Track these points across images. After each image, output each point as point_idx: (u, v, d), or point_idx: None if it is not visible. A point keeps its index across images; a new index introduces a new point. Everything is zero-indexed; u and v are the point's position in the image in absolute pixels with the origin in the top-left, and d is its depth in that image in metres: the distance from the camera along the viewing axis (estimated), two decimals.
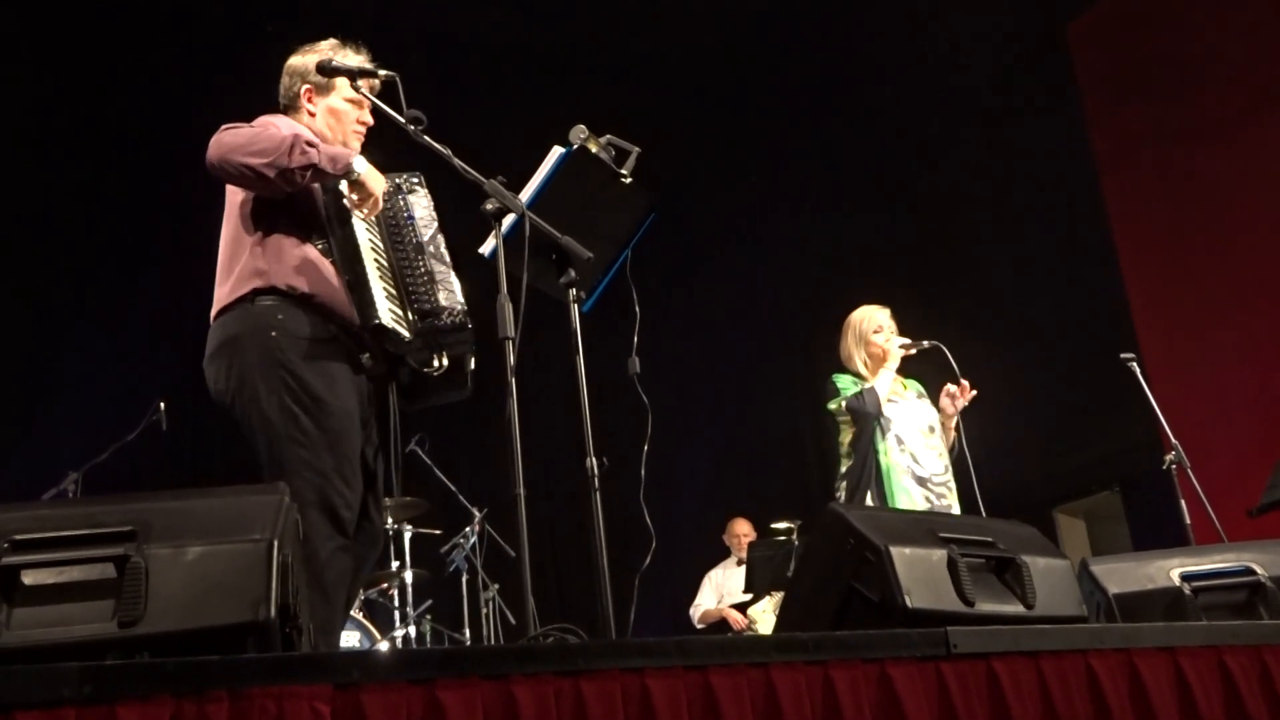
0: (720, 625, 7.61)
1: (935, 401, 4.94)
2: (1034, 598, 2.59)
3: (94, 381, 7.23)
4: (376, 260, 3.15)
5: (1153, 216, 8.12)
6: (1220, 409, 7.42)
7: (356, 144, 3.34)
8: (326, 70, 3.18)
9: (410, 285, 3.16)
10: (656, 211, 3.49)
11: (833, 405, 4.87)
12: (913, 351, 4.93)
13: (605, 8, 8.55)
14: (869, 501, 4.62)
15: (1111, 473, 8.34)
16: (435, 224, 3.32)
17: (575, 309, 3.17)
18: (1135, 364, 5.39)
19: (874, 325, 4.98)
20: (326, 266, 3.11)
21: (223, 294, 3.11)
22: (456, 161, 3.10)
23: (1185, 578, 2.97)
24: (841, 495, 4.76)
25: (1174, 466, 5.27)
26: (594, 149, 3.33)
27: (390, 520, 6.57)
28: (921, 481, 4.69)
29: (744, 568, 7.82)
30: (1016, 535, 2.81)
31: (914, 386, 5.01)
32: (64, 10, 7.34)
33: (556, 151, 3.30)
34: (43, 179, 7.37)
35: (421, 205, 3.33)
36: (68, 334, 7.36)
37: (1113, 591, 2.95)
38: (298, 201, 3.12)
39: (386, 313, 3.04)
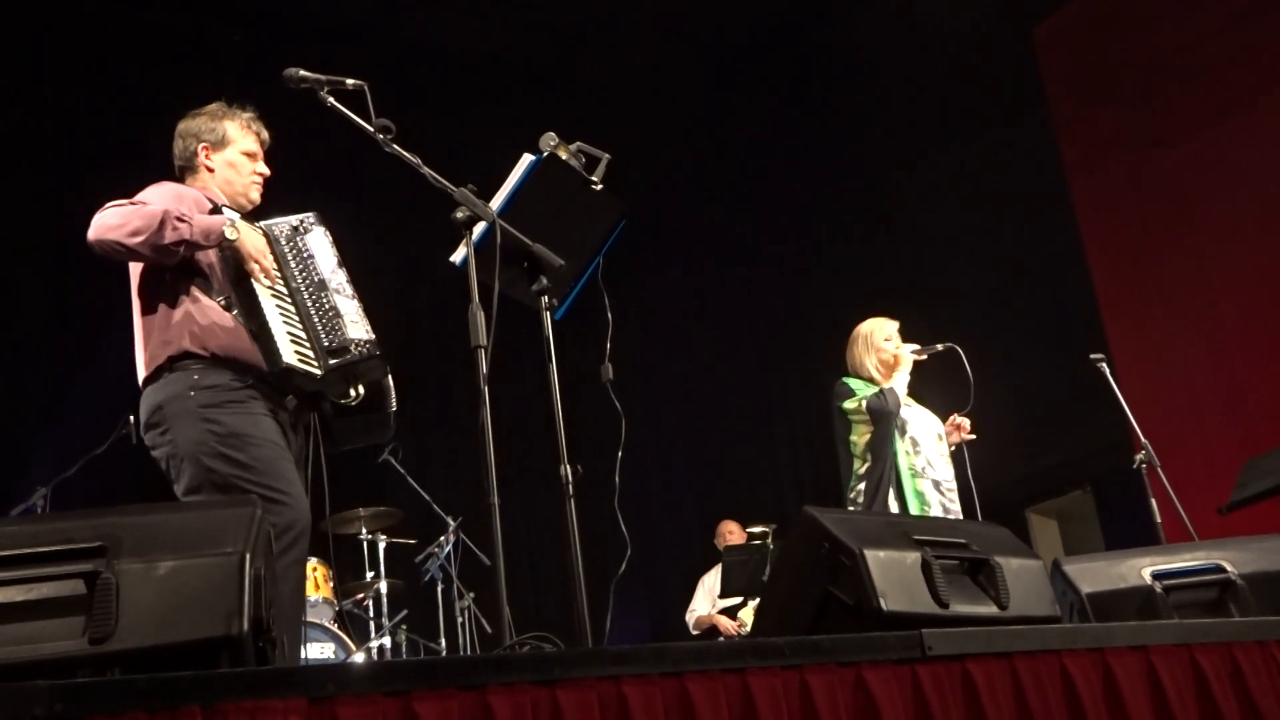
0: (712, 632, 7.64)
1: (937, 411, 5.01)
2: (1008, 599, 2.60)
3: (63, 395, 7.16)
4: (279, 306, 3.25)
5: (1121, 220, 8.20)
6: (1189, 408, 7.49)
7: (255, 194, 3.53)
8: (294, 80, 3.16)
9: (317, 323, 3.26)
10: (627, 218, 3.49)
11: (850, 404, 4.86)
12: (923, 356, 4.96)
13: (578, 17, 8.57)
14: (890, 502, 4.63)
15: (1083, 473, 8.41)
16: (336, 259, 3.43)
17: (547, 317, 3.17)
18: (1105, 365, 5.43)
19: (885, 334, 5.02)
20: (231, 321, 3.23)
21: (142, 366, 3.27)
22: (426, 170, 3.10)
23: (1157, 576, 2.99)
24: (860, 497, 4.75)
25: (1144, 466, 5.31)
26: (564, 156, 3.33)
27: (365, 530, 6.57)
28: (936, 485, 4.72)
29: None
30: (989, 536, 2.83)
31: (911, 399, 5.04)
32: (32, 18, 7.29)
33: (527, 159, 3.30)
34: (8, 188, 7.29)
35: (321, 243, 3.43)
36: (36, 346, 7.28)
37: (1085, 591, 2.97)
38: (194, 262, 3.25)
39: (292, 355, 3.15)
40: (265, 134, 3.55)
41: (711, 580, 7.98)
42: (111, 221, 3.12)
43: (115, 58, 7.68)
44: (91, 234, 3.13)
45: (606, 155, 3.39)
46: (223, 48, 7.80)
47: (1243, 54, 7.45)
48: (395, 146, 3.10)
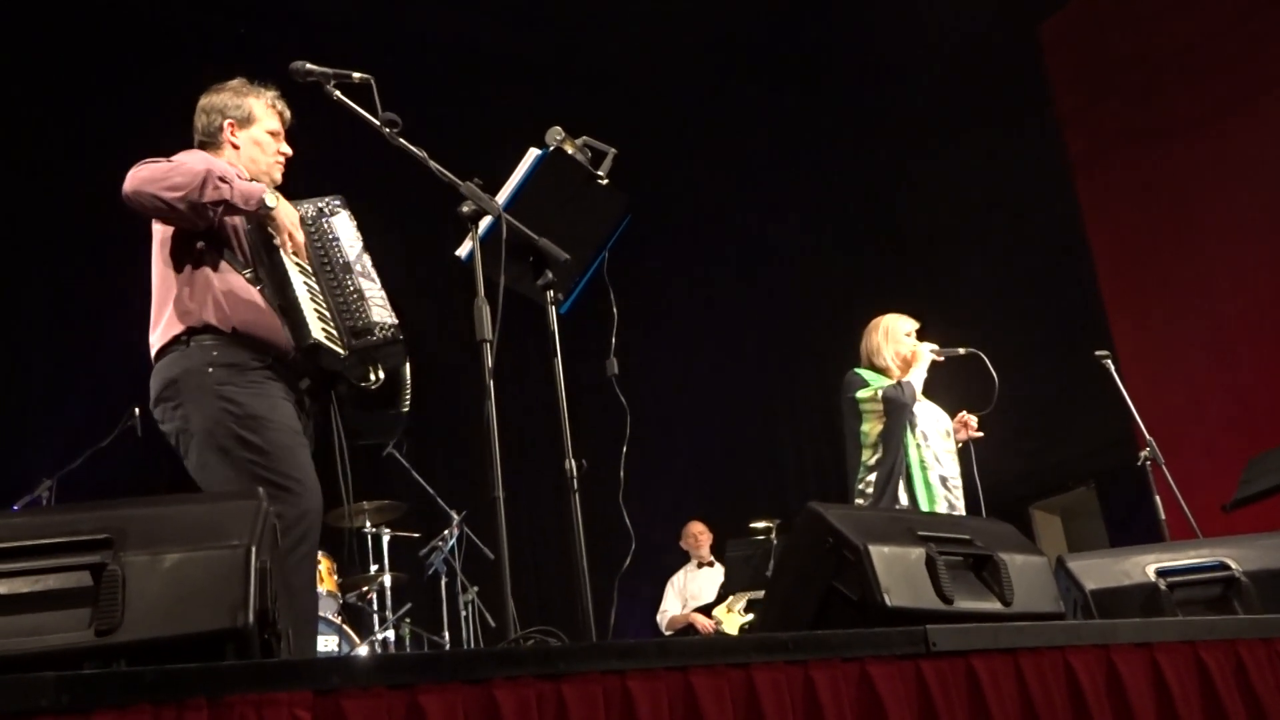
0: (688, 631, 7.63)
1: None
2: (1012, 595, 2.60)
3: (67, 387, 7.16)
4: (306, 283, 3.22)
5: (1125, 215, 8.20)
6: (1194, 405, 7.49)
7: (278, 174, 3.48)
8: (300, 74, 3.16)
9: (341, 304, 3.24)
10: (632, 213, 3.49)
11: (863, 394, 4.84)
12: (941, 358, 4.95)
13: (585, 11, 8.56)
14: (901, 495, 4.63)
15: (1087, 469, 8.42)
16: (360, 243, 3.40)
17: (553, 311, 3.18)
18: (1110, 361, 5.43)
19: (905, 329, 5.02)
20: (255, 296, 3.18)
21: (158, 336, 3.19)
22: (433, 164, 3.10)
23: (1161, 573, 2.99)
24: (870, 489, 4.74)
25: (1149, 462, 5.31)
26: (570, 150, 3.33)
27: (369, 523, 6.57)
28: (942, 481, 4.72)
29: (704, 570, 7.90)
30: (994, 532, 2.83)
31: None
32: (36, 9, 7.29)
33: (533, 153, 3.30)
34: (13, 178, 7.30)
35: (345, 226, 3.41)
36: (40, 338, 7.29)
37: (1089, 588, 2.97)
38: (221, 233, 3.20)
39: (319, 331, 3.12)
40: (288, 113, 3.51)
41: (681, 580, 8.01)
42: (151, 175, 3.06)
43: (119, 49, 7.67)
44: (128, 186, 3.06)
45: (612, 150, 3.39)
46: (226, 41, 7.80)
47: (1247, 52, 7.45)
48: (402, 140, 3.10)
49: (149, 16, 7.77)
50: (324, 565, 5.97)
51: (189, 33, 7.85)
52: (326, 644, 5.64)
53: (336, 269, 3.29)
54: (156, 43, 7.75)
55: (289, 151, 3.51)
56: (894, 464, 4.68)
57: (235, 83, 3.48)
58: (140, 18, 7.73)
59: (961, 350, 4.95)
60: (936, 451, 4.77)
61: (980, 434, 4.97)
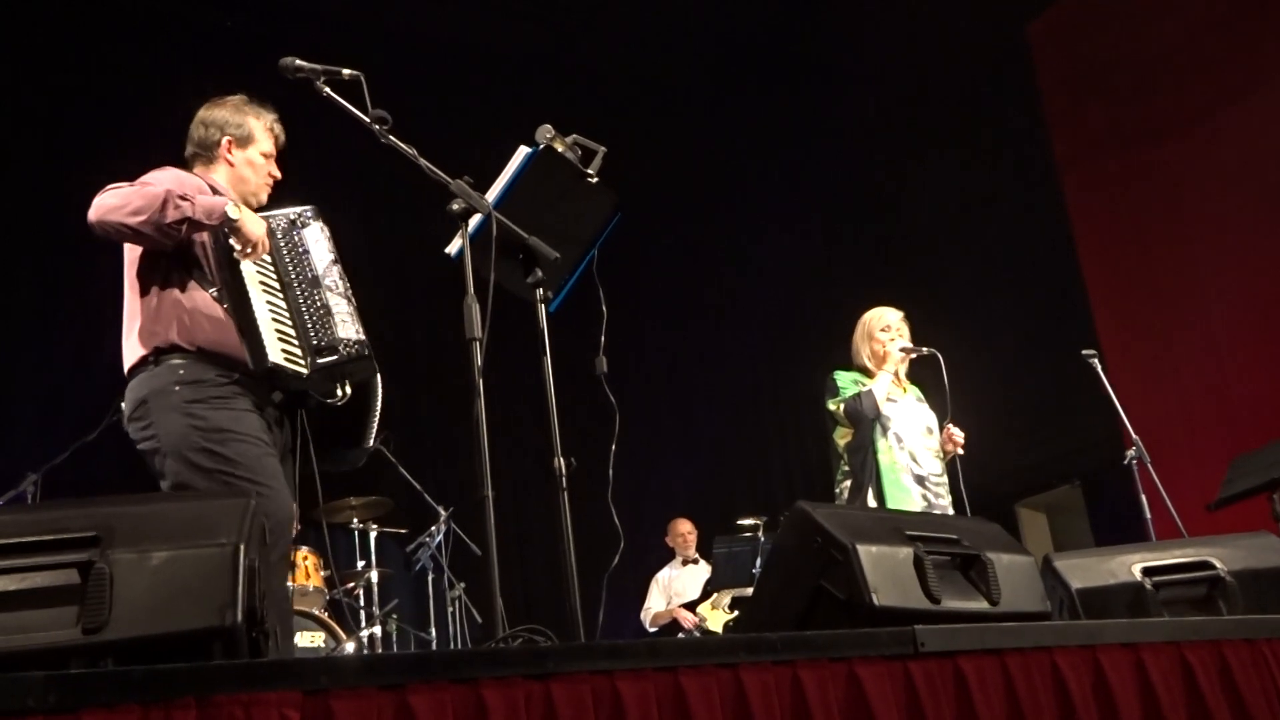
0: (671, 626, 7.64)
1: (934, 407, 4.99)
2: (999, 594, 2.61)
3: (54, 380, 7.13)
4: (269, 302, 3.22)
5: (1112, 215, 8.22)
6: (1180, 405, 7.52)
7: (264, 196, 3.50)
8: (290, 70, 3.15)
9: (308, 321, 3.23)
10: (622, 211, 3.49)
11: (831, 405, 4.87)
12: (911, 356, 4.95)
13: (577, 7, 8.55)
14: (870, 500, 4.64)
15: (1073, 467, 8.45)
16: (332, 255, 3.39)
17: (542, 309, 3.18)
18: (1096, 360, 5.45)
19: (882, 324, 5.00)
20: (221, 313, 3.19)
21: (129, 354, 3.23)
22: (422, 162, 3.10)
23: (1147, 572, 3.00)
24: (844, 494, 4.77)
25: (1135, 461, 5.33)
26: (560, 148, 3.33)
27: (356, 519, 6.56)
28: (920, 480, 4.72)
29: (689, 567, 7.92)
30: (981, 532, 2.84)
31: (913, 390, 5.03)
32: (22, 5, 7.25)
33: (523, 151, 3.30)
34: (1, 173, 7.26)
35: (317, 238, 3.40)
36: (26, 332, 7.26)
37: (1075, 587, 2.98)
38: (190, 250, 3.22)
39: (279, 354, 3.12)
40: (283, 137, 3.53)
41: (666, 578, 8.03)
42: (113, 202, 3.08)
43: (107, 45, 7.64)
44: (93, 215, 3.08)
45: (602, 148, 3.39)
46: (213, 36, 7.77)
47: (1234, 51, 7.48)
48: (391, 138, 3.10)
49: (135, 9, 7.73)
50: (311, 561, 5.96)
51: (176, 27, 7.81)
52: (313, 640, 5.64)
53: (305, 284, 3.28)
54: (144, 37, 7.71)
55: (278, 175, 3.52)
56: (863, 470, 4.70)
57: (236, 99, 3.49)
58: (127, 10, 7.69)
59: (924, 350, 4.95)
60: (913, 450, 4.76)
61: (961, 451, 4.90)
